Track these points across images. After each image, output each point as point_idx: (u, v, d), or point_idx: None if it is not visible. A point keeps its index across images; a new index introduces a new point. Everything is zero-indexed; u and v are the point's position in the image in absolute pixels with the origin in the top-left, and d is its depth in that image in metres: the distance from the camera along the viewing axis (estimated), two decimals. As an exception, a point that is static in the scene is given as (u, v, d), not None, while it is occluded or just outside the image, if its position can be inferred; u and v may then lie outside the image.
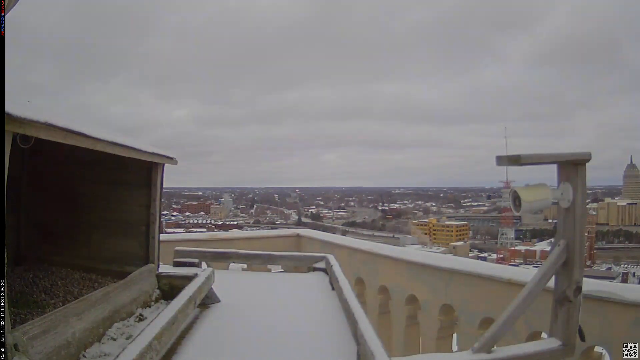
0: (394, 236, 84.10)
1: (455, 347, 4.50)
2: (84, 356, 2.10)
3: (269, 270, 5.42)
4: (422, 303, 4.71)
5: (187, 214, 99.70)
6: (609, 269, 64.78)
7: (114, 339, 2.36)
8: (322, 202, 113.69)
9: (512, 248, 74.64)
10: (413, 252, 5.58)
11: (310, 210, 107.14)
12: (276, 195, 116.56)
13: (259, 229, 45.69)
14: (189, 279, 3.14)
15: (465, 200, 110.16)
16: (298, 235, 7.09)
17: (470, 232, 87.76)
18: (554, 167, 2.38)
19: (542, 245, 69.08)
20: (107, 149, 2.29)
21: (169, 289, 3.18)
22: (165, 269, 3.39)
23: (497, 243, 79.99)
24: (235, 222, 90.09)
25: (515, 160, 2.14)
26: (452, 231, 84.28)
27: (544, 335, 3.31)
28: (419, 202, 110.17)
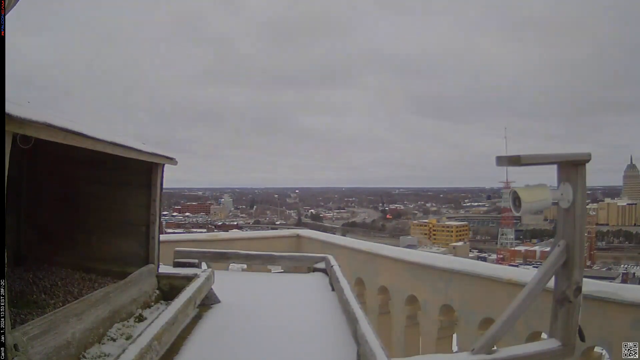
0: (393, 235, 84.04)
1: (455, 348, 4.50)
2: (84, 357, 2.10)
3: (269, 271, 5.43)
4: (422, 303, 4.71)
5: (187, 214, 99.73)
6: (609, 269, 64.77)
7: (114, 340, 2.36)
8: (322, 203, 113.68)
9: (512, 248, 74.68)
10: (413, 252, 5.59)
11: (310, 210, 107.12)
12: (276, 196, 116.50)
13: (259, 230, 45.74)
14: (188, 279, 3.14)
15: (465, 200, 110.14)
16: (298, 236, 7.09)
17: (470, 232, 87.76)
18: (554, 167, 2.38)
19: (542, 246, 69.12)
20: (107, 149, 2.29)
21: (169, 289, 3.18)
22: (165, 269, 3.39)
23: (497, 243, 80.00)
24: (235, 223, 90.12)
25: (516, 160, 2.15)
26: (452, 231, 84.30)
27: (544, 335, 3.32)
28: (419, 203, 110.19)
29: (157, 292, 3.15)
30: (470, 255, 65.00)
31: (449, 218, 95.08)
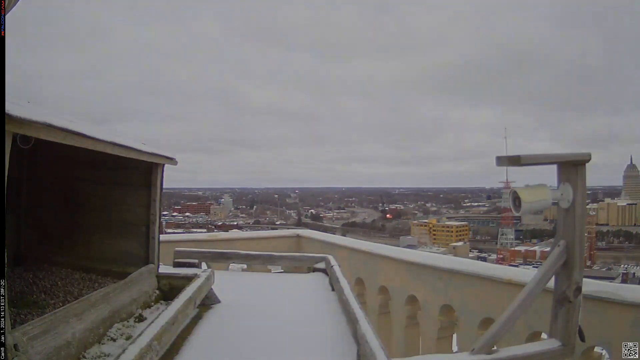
0: (393, 235, 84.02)
1: (455, 348, 4.50)
2: (84, 357, 2.10)
3: (269, 271, 5.43)
4: (422, 303, 4.71)
5: (187, 214, 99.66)
6: (609, 269, 64.75)
7: (114, 340, 2.36)
8: (322, 203, 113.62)
9: (512, 248, 74.63)
10: (413, 253, 5.59)
11: (310, 210, 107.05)
12: (276, 196, 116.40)
13: (259, 230, 45.78)
14: (188, 279, 3.14)
15: (465, 200, 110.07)
16: (298, 236, 7.09)
17: (470, 232, 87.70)
18: (554, 167, 2.38)
19: (542, 246, 69.11)
20: (107, 149, 2.29)
21: (169, 289, 3.18)
22: (165, 269, 3.39)
23: (497, 243, 79.93)
24: (235, 223, 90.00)
25: (516, 161, 2.14)
26: (452, 232, 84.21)
27: (544, 335, 3.32)
28: (419, 203, 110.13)
29: (157, 292, 3.15)
30: (470, 255, 64.94)
31: (449, 218, 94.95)
